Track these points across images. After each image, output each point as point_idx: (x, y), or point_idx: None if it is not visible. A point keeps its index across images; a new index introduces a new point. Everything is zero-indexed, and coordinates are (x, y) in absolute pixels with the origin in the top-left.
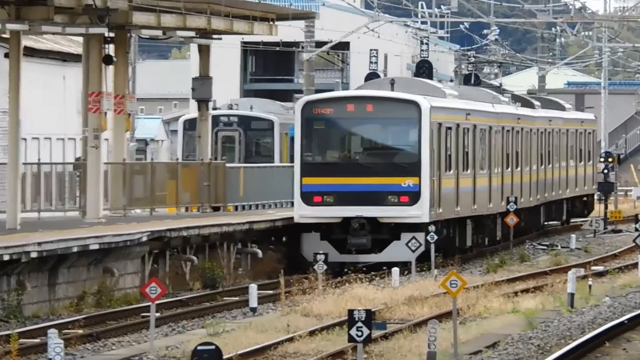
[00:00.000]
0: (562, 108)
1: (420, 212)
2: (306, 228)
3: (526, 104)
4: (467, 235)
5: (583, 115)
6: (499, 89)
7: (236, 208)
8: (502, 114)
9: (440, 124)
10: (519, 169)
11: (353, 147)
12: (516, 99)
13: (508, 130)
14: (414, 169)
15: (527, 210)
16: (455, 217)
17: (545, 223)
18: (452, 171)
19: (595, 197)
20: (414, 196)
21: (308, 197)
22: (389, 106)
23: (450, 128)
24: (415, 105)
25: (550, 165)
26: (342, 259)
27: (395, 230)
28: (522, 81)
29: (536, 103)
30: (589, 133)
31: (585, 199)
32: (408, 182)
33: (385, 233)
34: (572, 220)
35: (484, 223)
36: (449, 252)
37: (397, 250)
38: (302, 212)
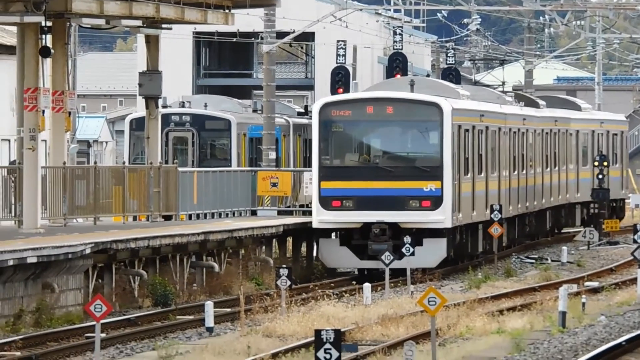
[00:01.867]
0: (577, 108)
1: (442, 217)
2: (325, 234)
3: (530, 103)
4: (478, 240)
5: (606, 115)
6: (502, 89)
7: (190, 217)
8: (510, 115)
9: (460, 126)
10: (524, 172)
11: (373, 150)
12: (520, 98)
13: (514, 132)
14: (436, 173)
15: (534, 215)
16: (469, 223)
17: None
18: (469, 175)
19: (631, 204)
20: (436, 201)
21: (327, 202)
22: (410, 108)
23: (467, 130)
24: (437, 107)
25: (557, 168)
26: (362, 265)
27: (417, 235)
28: (506, 76)
29: (541, 102)
30: (614, 134)
31: (613, 204)
32: (430, 186)
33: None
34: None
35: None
36: (461, 259)
37: (419, 256)
38: (321, 217)
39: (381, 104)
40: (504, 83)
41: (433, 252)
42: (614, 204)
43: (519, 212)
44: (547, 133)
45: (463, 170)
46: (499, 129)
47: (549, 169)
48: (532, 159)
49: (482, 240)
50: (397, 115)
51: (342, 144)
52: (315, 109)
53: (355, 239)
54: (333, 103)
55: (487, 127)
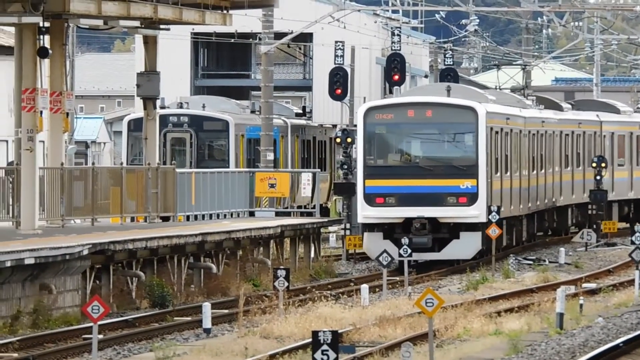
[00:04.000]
0: (616, 111)
1: (478, 212)
2: (370, 228)
3: (553, 106)
4: (503, 236)
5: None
6: (523, 92)
7: (187, 218)
8: (529, 118)
9: (492, 128)
10: (542, 171)
11: (413, 150)
12: (541, 101)
13: (533, 134)
14: (472, 171)
15: (555, 210)
16: (499, 218)
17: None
18: (498, 174)
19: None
20: (472, 197)
21: (371, 199)
22: (448, 112)
23: (497, 132)
24: (473, 110)
25: (580, 168)
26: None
27: (454, 229)
28: (504, 77)
29: (565, 106)
30: None
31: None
32: (466, 183)
33: (444, 232)
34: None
35: (514, 223)
36: (485, 253)
37: (456, 249)
38: (365, 213)
39: (421, 108)
40: (527, 85)
41: (469, 245)
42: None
43: (538, 208)
44: (567, 135)
45: (494, 169)
46: (520, 131)
47: (569, 168)
48: (552, 159)
49: (506, 234)
50: (436, 118)
51: (385, 145)
52: (360, 113)
53: (398, 232)
54: (377, 107)
55: (511, 130)
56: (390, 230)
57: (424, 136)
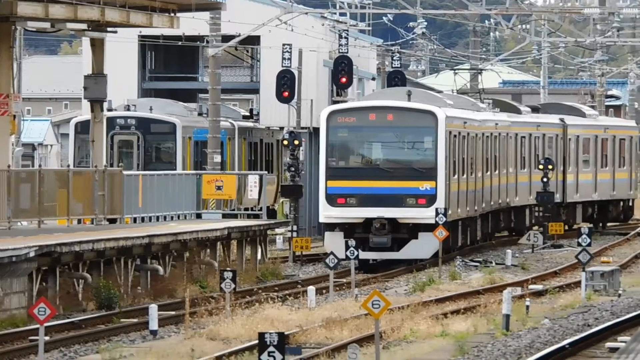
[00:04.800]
0: (582, 114)
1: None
2: (331, 228)
3: (511, 109)
4: (458, 235)
5: (614, 121)
6: (479, 96)
7: (135, 220)
8: (484, 121)
9: (450, 132)
10: (497, 172)
11: (374, 153)
12: (499, 104)
13: (487, 137)
14: (431, 174)
15: (512, 211)
16: (457, 218)
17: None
18: (456, 176)
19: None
20: (431, 198)
21: (332, 199)
22: (409, 116)
23: (455, 136)
24: (433, 115)
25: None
26: (363, 256)
27: (413, 229)
28: (450, 80)
29: (525, 109)
30: (622, 139)
31: (621, 204)
32: (425, 185)
33: (403, 232)
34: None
35: (469, 224)
36: (447, 251)
37: (415, 249)
38: (327, 213)
39: (382, 112)
40: (483, 90)
41: (428, 245)
42: (623, 204)
43: (492, 209)
44: (523, 137)
45: (452, 171)
46: (476, 134)
47: (526, 169)
48: (507, 161)
49: (462, 234)
50: (397, 122)
51: (347, 147)
52: (323, 116)
53: (358, 232)
54: (339, 111)
55: (468, 133)
56: (351, 230)
57: (385, 139)
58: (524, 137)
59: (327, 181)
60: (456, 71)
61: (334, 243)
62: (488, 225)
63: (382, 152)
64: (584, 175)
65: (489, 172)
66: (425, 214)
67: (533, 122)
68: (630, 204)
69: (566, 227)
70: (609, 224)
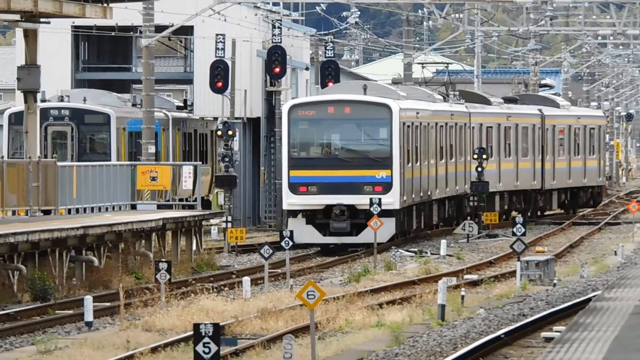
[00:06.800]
0: (556, 105)
1: (392, 200)
2: (293, 214)
3: (479, 100)
4: (413, 219)
5: (584, 111)
6: (445, 88)
7: (69, 211)
8: (438, 112)
9: (404, 123)
10: (452, 160)
11: (333, 144)
12: (466, 96)
13: (441, 126)
14: (387, 163)
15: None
16: (411, 204)
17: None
18: (410, 164)
19: None
20: (386, 186)
21: (295, 187)
22: (365, 108)
23: (409, 126)
24: (387, 107)
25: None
26: (324, 240)
27: (370, 215)
28: (385, 69)
29: (496, 100)
30: (592, 128)
31: (590, 191)
32: (382, 174)
33: (362, 218)
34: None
35: (424, 209)
36: (403, 234)
37: (372, 233)
38: (289, 200)
39: (340, 105)
40: (451, 83)
41: (385, 230)
42: (592, 191)
43: (447, 194)
44: (489, 127)
45: (406, 160)
46: (428, 123)
47: (493, 157)
48: (462, 150)
49: (416, 218)
50: (354, 114)
51: (308, 138)
52: (284, 109)
53: (319, 218)
54: (300, 104)
55: (420, 123)
56: (312, 216)
57: (343, 131)
58: (490, 127)
59: (289, 171)
60: (424, 65)
61: (297, 229)
62: (445, 210)
63: (340, 142)
64: (560, 163)
65: (443, 160)
66: (382, 201)
67: (503, 113)
68: (599, 190)
69: (545, 213)
70: (579, 210)
